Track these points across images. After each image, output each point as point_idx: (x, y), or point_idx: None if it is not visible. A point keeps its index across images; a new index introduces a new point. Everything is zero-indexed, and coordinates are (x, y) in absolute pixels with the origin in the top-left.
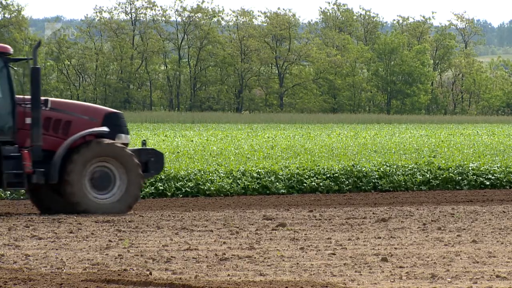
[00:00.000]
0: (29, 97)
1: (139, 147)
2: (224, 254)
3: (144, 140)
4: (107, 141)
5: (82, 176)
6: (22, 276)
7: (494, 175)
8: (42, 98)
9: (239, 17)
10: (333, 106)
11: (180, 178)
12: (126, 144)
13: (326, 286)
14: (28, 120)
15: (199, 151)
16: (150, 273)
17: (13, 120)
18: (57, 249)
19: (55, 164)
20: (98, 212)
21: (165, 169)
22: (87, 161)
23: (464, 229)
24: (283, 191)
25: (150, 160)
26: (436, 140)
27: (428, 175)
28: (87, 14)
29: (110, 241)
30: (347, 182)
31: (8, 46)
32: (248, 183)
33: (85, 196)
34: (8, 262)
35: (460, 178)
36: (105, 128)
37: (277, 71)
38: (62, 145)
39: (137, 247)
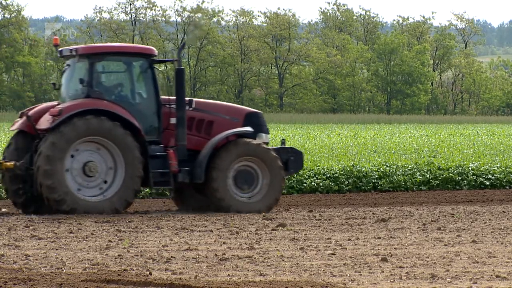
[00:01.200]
0: (173, 97)
1: (279, 146)
2: (224, 254)
3: (283, 139)
4: (250, 141)
5: (226, 175)
6: (22, 276)
7: (494, 175)
8: (187, 98)
9: (239, 17)
10: (333, 106)
11: None
12: (266, 143)
13: (326, 286)
14: (172, 120)
15: None
16: (150, 273)
17: (158, 120)
18: (57, 249)
19: (200, 164)
20: (241, 211)
21: None
22: (231, 160)
23: (464, 229)
24: (283, 191)
25: (290, 159)
26: (436, 140)
27: (428, 175)
28: (87, 14)
29: (110, 241)
30: (347, 182)
31: (153, 48)
32: None
33: (229, 195)
34: (8, 262)
35: (460, 178)
36: (249, 128)
37: (277, 71)
38: (207, 145)
39: (137, 247)
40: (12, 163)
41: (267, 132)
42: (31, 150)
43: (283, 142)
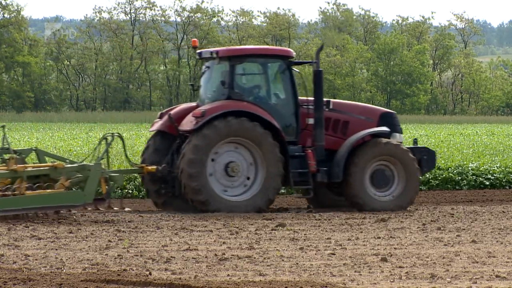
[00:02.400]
0: (311, 98)
1: (412, 146)
2: (224, 254)
3: (416, 139)
4: (388, 141)
5: (363, 174)
6: (22, 276)
7: (494, 175)
8: (324, 99)
9: (238, 17)
10: None
11: None
12: (400, 143)
13: (326, 286)
14: (310, 121)
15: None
16: (150, 273)
17: (296, 121)
18: (56, 249)
19: (338, 164)
20: (376, 209)
21: None
22: (368, 159)
23: (464, 229)
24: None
25: (423, 158)
26: (436, 140)
27: (427, 175)
28: (86, 14)
29: (109, 241)
30: None
31: (291, 50)
32: None
33: (365, 193)
34: (8, 262)
35: (459, 178)
36: (385, 128)
37: None
38: (345, 145)
39: (136, 247)
40: (154, 167)
41: (400, 132)
42: (170, 151)
43: (415, 141)
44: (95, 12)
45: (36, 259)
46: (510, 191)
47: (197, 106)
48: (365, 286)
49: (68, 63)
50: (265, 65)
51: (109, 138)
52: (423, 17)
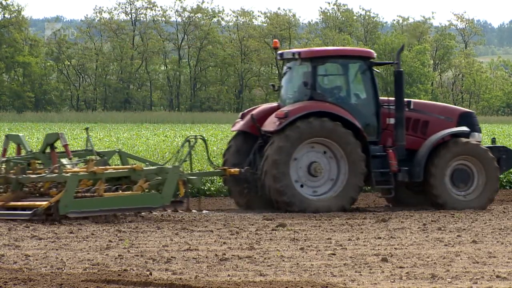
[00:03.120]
0: (392, 98)
1: (491, 145)
2: (224, 254)
3: (494, 138)
4: (468, 140)
5: (444, 173)
6: (22, 276)
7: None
8: (405, 99)
9: (239, 17)
10: None
11: None
12: (479, 142)
13: (326, 286)
14: (390, 121)
15: (199, 152)
16: (150, 273)
17: (377, 121)
18: (57, 249)
19: (419, 163)
20: (456, 209)
21: None
22: (449, 159)
23: (464, 229)
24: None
25: (502, 157)
26: None
27: None
28: (87, 15)
29: (110, 241)
30: None
31: (372, 51)
32: None
33: (446, 192)
34: (8, 262)
35: None
36: (465, 128)
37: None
38: (425, 144)
39: (137, 247)
40: (237, 170)
41: (479, 131)
42: (252, 151)
43: (493, 140)
44: (96, 12)
45: (36, 259)
46: (511, 191)
47: (278, 107)
48: (365, 286)
49: (68, 63)
50: (346, 66)
51: (192, 141)
52: (423, 17)
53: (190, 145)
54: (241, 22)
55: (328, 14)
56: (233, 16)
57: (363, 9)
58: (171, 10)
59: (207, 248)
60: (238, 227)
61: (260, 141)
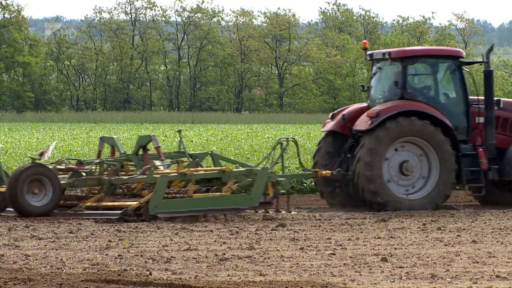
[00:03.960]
0: (481, 98)
1: None
2: (224, 254)
3: None
4: None
5: None
6: (22, 276)
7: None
8: (495, 98)
9: (239, 17)
10: (333, 106)
11: None
12: None
13: (326, 286)
14: (480, 120)
15: (199, 152)
16: (150, 273)
17: (467, 120)
18: (57, 249)
19: (509, 162)
20: None
21: None
22: None
23: (464, 229)
24: (283, 191)
25: None
26: None
27: None
28: (87, 14)
29: (110, 241)
30: None
31: (461, 50)
32: None
33: None
34: (8, 262)
35: None
36: None
37: (277, 71)
38: None
39: (137, 247)
40: (329, 172)
41: None
42: (342, 151)
43: None
44: (96, 12)
45: (36, 259)
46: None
47: (368, 107)
48: (365, 286)
49: (68, 63)
50: (435, 65)
51: (284, 143)
52: (423, 17)
53: (282, 148)
54: (241, 22)
55: (328, 14)
56: (233, 16)
57: (363, 9)
58: (171, 10)
59: (207, 248)
60: (238, 227)
61: (351, 140)
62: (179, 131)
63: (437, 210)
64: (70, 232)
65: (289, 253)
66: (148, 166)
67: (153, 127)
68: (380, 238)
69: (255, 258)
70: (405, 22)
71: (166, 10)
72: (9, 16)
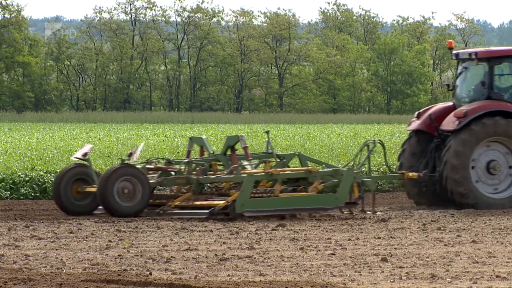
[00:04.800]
0: None
1: None
2: (224, 254)
3: None
4: None
5: None
6: (22, 276)
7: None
8: None
9: (239, 17)
10: (333, 106)
11: None
12: None
13: (326, 286)
14: None
15: (199, 151)
16: (150, 273)
17: None
18: (57, 249)
19: None
20: None
21: None
22: None
23: (464, 229)
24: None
25: None
26: None
27: None
28: (87, 14)
29: (110, 241)
30: None
31: None
32: None
33: None
34: (8, 262)
35: None
36: None
37: (277, 71)
38: None
39: (137, 247)
40: (416, 174)
41: None
42: (428, 151)
43: None
44: (96, 12)
45: (36, 259)
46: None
47: (454, 106)
48: (365, 286)
49: (68, 63)
50: None
51: (371, 145)
52: (423, 17)
53: (369, 149)
54: (241, 22)
55: (328, 14)
56: (233, 16)
57: (362, 9)
58: (171, 10)
59: (207, 248)
60: (237, 227)
61: (437, 140)
62: (267, 132)
63: (437, 210)
64: (70, 232)
65: (289, 253)
66: (236, 165)
67: (153, 127)
68: (380, 238)
69: (255, 258)
70: (405, 22)
71: (166, 10)
72: (9, 16)
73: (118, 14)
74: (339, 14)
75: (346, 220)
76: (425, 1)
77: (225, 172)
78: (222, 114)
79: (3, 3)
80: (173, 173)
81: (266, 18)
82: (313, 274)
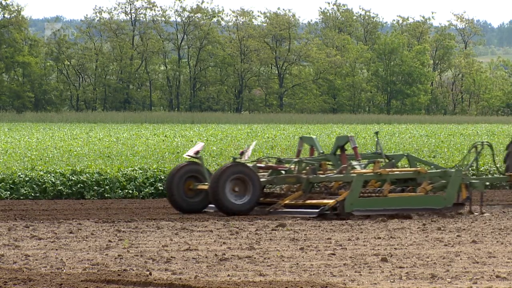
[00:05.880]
0: None
1: None
2: (224, 254)
3: None
4: None
5: None
6: (22, 276)
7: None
8: None
9: (238, 17)
10: (333, 106)
11: None
12: None
13: (326, 286)
14: None
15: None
16: (150, 273)
17: None
18: (57, 249)
19: None
20: None
21: (165, 169)
22: None
23: (464, 229)
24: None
25: None
26: (436, 141)
27: None
28: (86, 15)
29: (110, 241)
30: None
31: None
32: None
33: None
34: (8, 262)
35: None
36: None
37: (277, 72)
38: None
39: (137, 247)
40: None
41: None
42: None
43: None
44: (95, 12)
45: (36, 259)
46: (510, 191)
47: None
48: (365, 286)
49: (68, 63)
50: None
51: (479, 147)
52: (423, 17)
53: (477, 151)
54: (240, 22)
55: (328, 14)
56: (232, 16)
57: (362, 9)
58: (171, 10)
59: (207, 248)
60: (237, 227)
61: None
62: (376, 133)
63: None
64: (70, 232)
65: (289, 253)
66: (345, 165)
67: (153, 127)
68: (380, 238)
69: (255, 258)
70: (405, 22)
71: (166, 10)
72: (9, 16)
73: (118, 14)
74: (339, 14)
75: (346, 220)
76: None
77: (335, 171)
78: (222, 114)
79: (3, 3)
80: (283, 172)
81: (266, 18)
82: (313, 274)
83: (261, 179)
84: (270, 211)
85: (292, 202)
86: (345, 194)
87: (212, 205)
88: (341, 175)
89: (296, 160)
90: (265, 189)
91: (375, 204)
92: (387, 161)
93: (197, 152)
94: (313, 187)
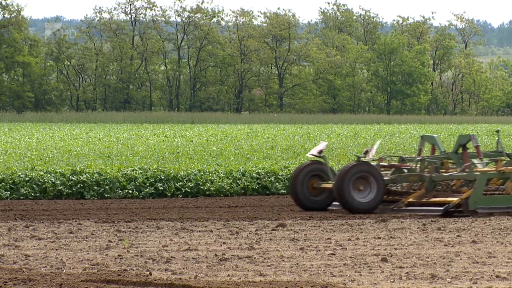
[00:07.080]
0: None
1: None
2: (224, 254)
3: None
4: None
5: None
6: (22, 276)
7: None
8: None
9: (238, 17)
10: (333, 106)
11: (180, 179)
12: None
13: (326, 286)
14: None
15: (199, 152)
16: (150, 274)
17: None
18: (57, 249)
19: None
20: None
21: (165, 169)
22: None
23: (464, 229)
24: (283, 191)
25: None
26: None
27: None
28: (87, 15)
29: (110, 241)
30: None
31: None
32: (248, 184)
33: None
34: (8, 262)
35: None
36: None
37: (276, 72)
38: None
39: (137, 247)
40: None
41: None
42: None
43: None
44: (96, 12)
45: (36, 259)
46: None
47: None
48: (365, 286)
49: (68, 63)
50: None
51: None
52: (423, 17)
53: None
54: (240, 22)
55: (328, 14)
56: (232, 16)
57: (362, 9)
58: (171, 10)
59: (206, 248)
60: (237, 227)
61: None
62: (497, 131)
63: None
64: (70, 232)
65: (289, 253)
66: (468, 164)
67: (153, 127)
68: (380, 238)
69: (255, 258)
70: (405, 22)
71: (166, 10)
72: (9, 16)
73: (118, 14)
74: (339, 14)
75: (346, 220)
76: (425, 1)
77: (458, 170)
78: (222, 114)
79: (3, 3)
80: (405, 170)
81: (266, 18)
82: (313, 274)
83: (384, 178)
84: (393, 209)
85: (415, 200)
86: (469, 192)
87: (336, 202)
88: (465, 173)
89: (418, 158)
90: (388, 187)
91: (499, 202)
92: (508, 159)
93: (320, 151)
94: (436, 185)
